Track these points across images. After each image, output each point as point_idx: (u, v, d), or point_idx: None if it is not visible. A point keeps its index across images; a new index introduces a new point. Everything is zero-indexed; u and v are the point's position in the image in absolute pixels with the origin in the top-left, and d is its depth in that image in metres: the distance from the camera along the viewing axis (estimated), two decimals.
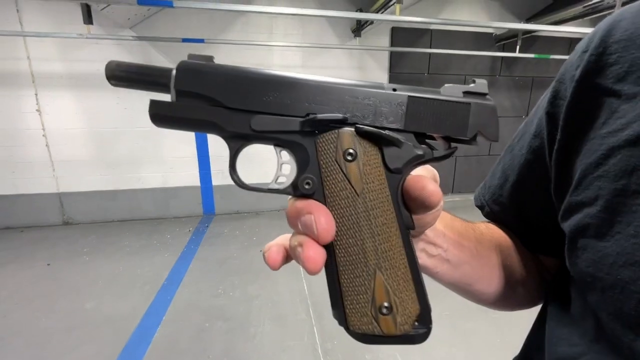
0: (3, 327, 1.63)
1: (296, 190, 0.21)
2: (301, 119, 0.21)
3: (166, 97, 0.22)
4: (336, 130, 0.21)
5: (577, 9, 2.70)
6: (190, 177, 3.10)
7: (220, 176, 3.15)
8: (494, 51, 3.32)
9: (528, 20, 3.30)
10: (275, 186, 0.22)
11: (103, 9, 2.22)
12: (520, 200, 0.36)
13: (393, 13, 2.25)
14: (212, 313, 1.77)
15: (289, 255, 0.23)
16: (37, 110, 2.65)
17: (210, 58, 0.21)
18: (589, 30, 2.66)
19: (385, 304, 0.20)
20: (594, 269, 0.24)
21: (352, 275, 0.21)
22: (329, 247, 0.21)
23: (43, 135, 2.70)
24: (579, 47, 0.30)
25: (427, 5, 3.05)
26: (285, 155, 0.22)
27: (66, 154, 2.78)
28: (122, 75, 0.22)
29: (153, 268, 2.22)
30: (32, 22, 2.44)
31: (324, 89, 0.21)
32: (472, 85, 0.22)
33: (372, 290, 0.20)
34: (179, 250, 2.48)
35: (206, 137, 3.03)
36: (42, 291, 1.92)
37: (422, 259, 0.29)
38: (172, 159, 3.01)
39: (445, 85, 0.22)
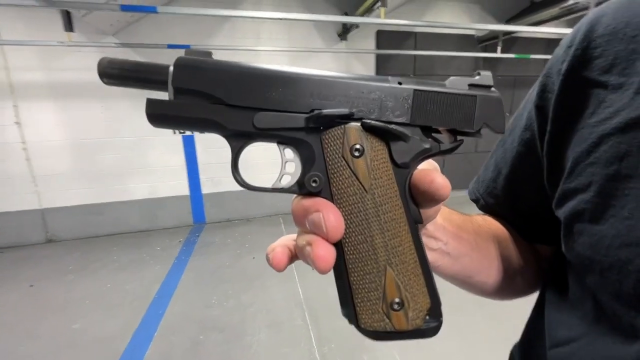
0: None
1: (302, 188, 0.21)
2: (306, 115, 0.20)
3: (163, 95, 0.20)
4: (342, 126, 0.20)
5: (554, 10, 2.80)
6: (179, 186, 3.03)
7: (209, 184, 3.10)
8: (477, 52, 3.41)
9: (508, 21, 3.41)
10: (280, 185, 0.22)
11: (84, 15, 2.18)
12: (513, 191, 0.37)
13: (378, 16, 2.28)
14: (206, 324, 1.71)
15: (293, 256, 0.23)
16: (16, 122, 2.55)
17: (209, 54, 0.20)
18: (565, 30, 2.77)
19: (397, 300, 0.20)
20: (591, 252, 0.25)
21: (362, 273, 0.20)
22: (337, 245, 0.20)
23: (23, 149, 2.61)
24: (564, 42, 0.31)
25: (410, 8, 3.11)
26: (289, 153, 0.22)
27: (48, 168, 2.69)
28: (114, 73, 0.20)
29: (143, 282, 2.14)
30: (9, 29, 2.37)
31: (328, 84, 0.20)
32: (477, 77, 0.22)
33: (383, 287, 0.20)
34: (169, 262, 2.41)
35: (194, 145, 2.99)
36: (26, 315, 1.83)
37: None
38: (159, 169, 2.95)
39: (451, 78, 0.22)
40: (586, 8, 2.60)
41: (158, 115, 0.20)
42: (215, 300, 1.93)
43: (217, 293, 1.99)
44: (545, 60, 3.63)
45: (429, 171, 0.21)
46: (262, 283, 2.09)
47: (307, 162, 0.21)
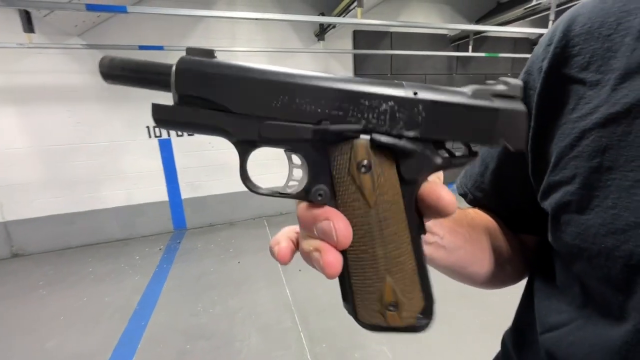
0: None
1: (308, 194, 0.21)
2: (313, 127, 0.19)
3: (168, 96, 0.20)
4: (350, 140, 0.20)
5: (519, 11, 2.95)
6: (157, 192, 2.93)
7: (189, 189, 3.02)
8: (450, 51, 3.53)
9: (477, 22, 3.55)
10: (288, 190, 0.21)
11: (46, 15, 2.04)
12: (500, 185, 0.39)
13: (354, 16, 2.30)
14: (193, 333, 1.67)
15: (295, 249, 0.23)
16: None
17: (211, 53, 0.19)
18: (530, 30, 2.93)
19: (392, 302, 0.21)
20: (579, 241, 0.26)
21: (362, 278, 0.21)
22: (342, 251, 0.21)
23: None
24: (543, 41, 0.32)
25: (385, 9, 3.17)
26: (297, 159, 0.21)
27: (11, 178, 2.50)
28: (116, 73, 0.19)
29: (123, 294, 2.05)
30: None
31: (339, 93, 0.19)
32: (502, 87, 0.20)
33: (380, 291, 0.21)
34: (150, 271, 2.33)
35: (172, 149, 2.89)
36: None
37: None
38: (135, 175, 2.83)
39: (472, 86, 0.20)
40: (547, 9, 2.75)
41: (164, 120, 0.20)
42: (201, 307, 1.88)
43: (202, 300, 1.95)
44: (513, 58, 3.84)
45: (436, 187, 0.20)
46: (249, 287, 2.06)
47: (314, 172, 0.20)
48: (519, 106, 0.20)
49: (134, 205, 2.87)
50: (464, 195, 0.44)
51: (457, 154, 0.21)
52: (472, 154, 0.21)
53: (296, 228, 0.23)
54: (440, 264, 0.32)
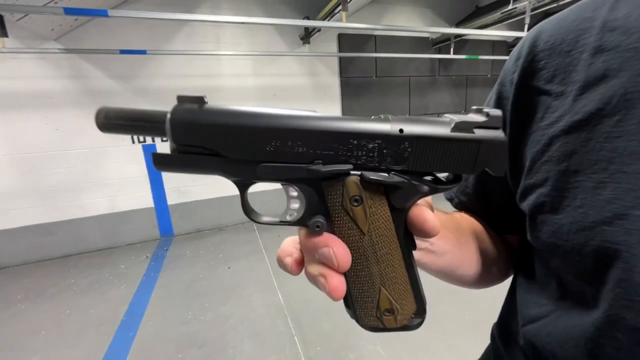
0: None
1: (307, 224, 0.22)
2: (306, 167, 0.21)
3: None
4: (342, 178, 0.21)
5: (496, 15, 3.07)
6: (142, 198, 2.86)
7: (175, 195, 2.96)
8: (432, 53, 3.62)
9: (457, 25, 3.66)
10: (288, 218, 0.23)
11: (19, 19, 1.97)
12: (482, 189, 0.41)
13: (339, 20, 2.33)
14: (184, 342, 1.64)
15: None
16: None
17: (202, 99, 0.20)
18: (507, 33, 3.05)
19: (388, 309, 0.24)
20: (554, 239, 0.28)
21: (360, 291, 0.24)
22: None
23: None
24: (513, 55, 0.35)
25: (369, 13, 3.21)
26: (293, 192, 0.23)
27: None
28: (113, 124, 0.20)
29: (108, 304, 1.99)
30: None
31: (328, 135, 0.20)
32: (483, 118, 0.21)
33: (377, 301, 0.23)
34: (137, 280, 2.27)
35: None
36: None
37: None
38: (118, 181, 2.75)
39: (455, 116, 0.21)
40: (523, 13, 2.87)
41: (163, 166, 0.21)
42: (192, 315, 1.85)
43: (193, 308, 1.91)
44: (493, 60, 3.97)
45: (422, 211, 0.22)
46: (241, 292, 2.04)
47: (310, 204, 0.22)
48: (500, 136, 0.21)
49: (117, 213, 2.78)
50: (450, 199, 0.46)
51: (442, 178, 0.23)
52: (457, 180, 0.22)
53: (296, 238, 0.25)
54: (431, 267, 0.34)
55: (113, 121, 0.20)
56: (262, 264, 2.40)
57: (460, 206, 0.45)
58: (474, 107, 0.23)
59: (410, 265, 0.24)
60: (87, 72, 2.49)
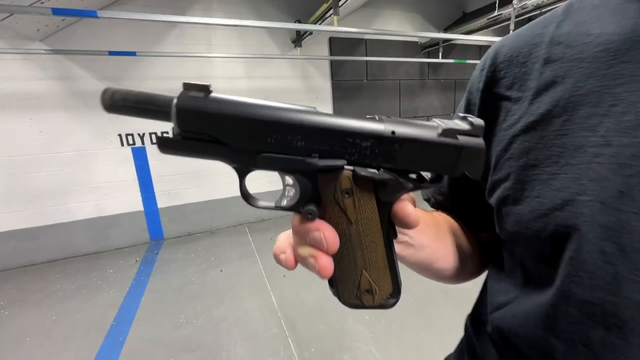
0: None
1: (301, 210, 0.24)
2: (303, 159, 0.22)
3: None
4: (336, 172, 0.23)
5: (483, 20, 3.16)
6: (131, 201, 2.81)
7: (165, 198, 2.92)
8: (421, 57, 3.69)
9: (445, 30, 3.75)
10: (283, 204, 0.25)
11: (4, 19, 1.92)
12: (456, 188, 0.45)
13: (331, 24, 2.36)
14: (176, 346, 1.62)
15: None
16: None
17: (207, 88, 0.21)
18: (493, 38, 3.14)
19: (367, 289, 0.26)
20: (517, 228, 0.31)
21: (344, 272, 0.26)
22: None
23: None
24: (478, 66, 0.40)
25: (360, 17, 3.26)
26: (289, 179, 0.24)
27: None
28: (118, 105, 0.21)
29: (96, 310, 1.95)
30: None
31: (326, 132, 0.22)
32: (467, 127, 0.23)
33: (358, 281, 0.26)
34: (126, 284, 2.23)
35: (146, 157, 2.79)
36: None
37: None
38: (106, 185, 2.70)
39: (443, 122, 0.23)
40: (508, 19, 2.97)
41: (167, 149, 0.22)
42: (184, 318, 1.83)
43: (185, 311, 1.89)
44: None
45: (404, 205, 0.25)
46: (233, 295, 2.03)
47: (304, 193, 0.24)
48: (480, 143, 0.23)
49: (106, 217, 2.73)
50: (427, 200, 0.49)
51: (426, 177, 0.25)
52: (438, 180, 0.25)
53: (289, 233, 0.27)
54: (410, 260, 0.36)
55: (119, 102, 0.21)
56: (254, 267, 2.39)
57: (437, 205, 0.48)
58: (461, 114, 0.25)
59: (390, 252, 0.26)
60: (74, 74, 2.44)
